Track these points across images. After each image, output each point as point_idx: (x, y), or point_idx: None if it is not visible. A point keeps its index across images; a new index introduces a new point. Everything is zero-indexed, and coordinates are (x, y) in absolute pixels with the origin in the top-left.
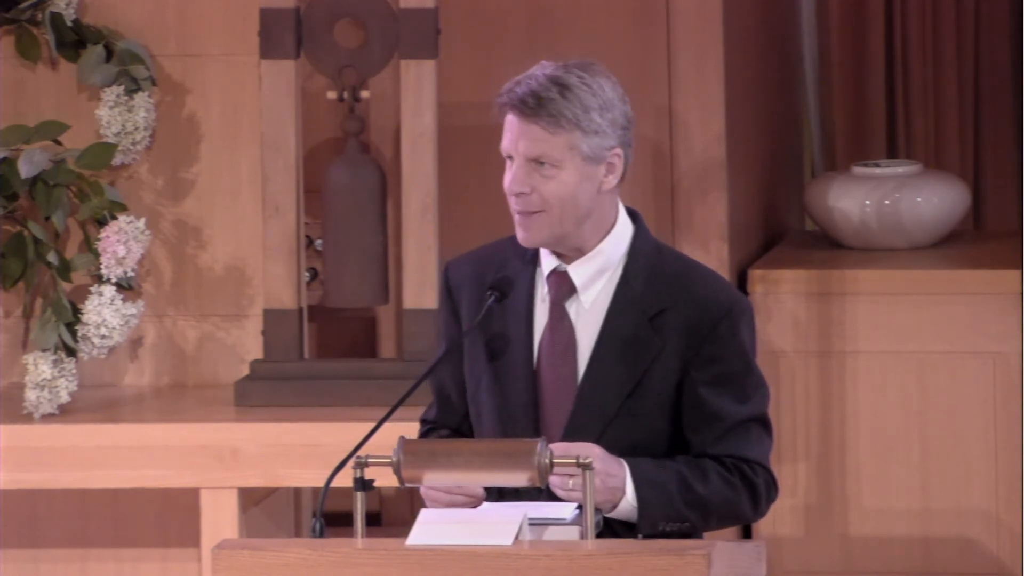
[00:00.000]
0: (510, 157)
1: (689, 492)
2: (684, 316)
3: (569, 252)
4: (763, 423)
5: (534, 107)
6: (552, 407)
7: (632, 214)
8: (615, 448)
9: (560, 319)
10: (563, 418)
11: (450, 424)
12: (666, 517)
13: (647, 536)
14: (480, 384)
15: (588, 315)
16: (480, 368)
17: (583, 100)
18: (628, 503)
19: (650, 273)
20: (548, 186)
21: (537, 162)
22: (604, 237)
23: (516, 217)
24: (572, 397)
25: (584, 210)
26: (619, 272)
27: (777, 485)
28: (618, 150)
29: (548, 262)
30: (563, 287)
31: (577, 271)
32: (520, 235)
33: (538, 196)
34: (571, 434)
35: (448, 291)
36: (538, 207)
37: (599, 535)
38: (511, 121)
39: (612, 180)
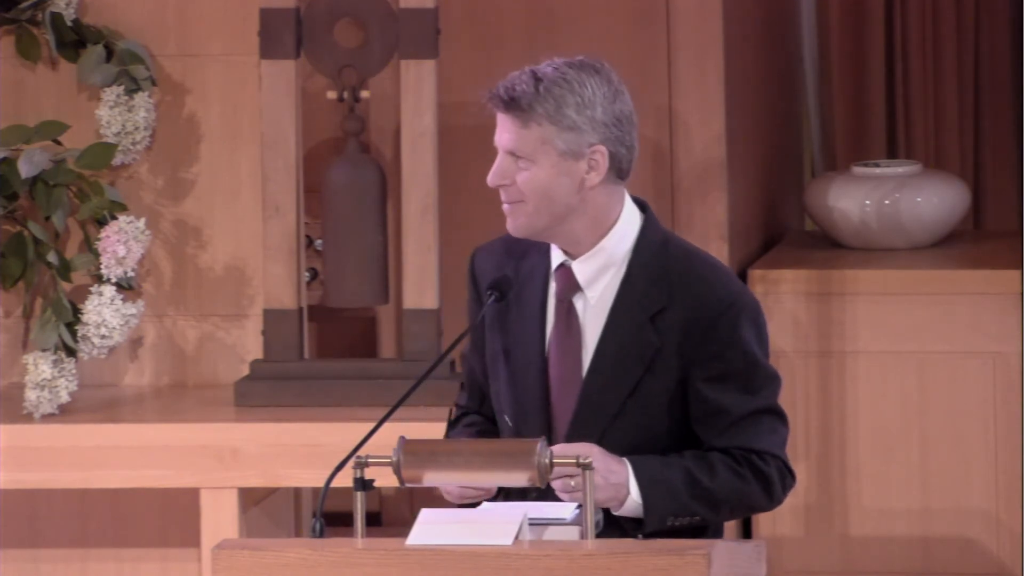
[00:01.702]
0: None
1: (695, 486)
2: (684, 314)
3: (568, 247)
4: (774, 413)
5: (507, 101)
6: (560, 404)
7: (641, 205)
8: (618, 446)
9: (567, 314)
10: (569, 416)
11: (476, 408)
12: (673, 512)
13: (656, 532)
14: (499, 378)
15: (595, 311)
16: (498, 362)
17: (558, 96)
18: (634, 501)
19: (653, 269)
20: (522, 177)
21: (514, 155)
22: (605, 234)
23: (504, 207)
24: (577, 395)
25: (563, 205)
26: (624, 268)
27: (793, 473)
28: (600, 147)
29: (556, 256)
30: (569, 282)
31: (580, 268)
32: (508, 224)
33: (516, 188)
34: (574, 432)
35: (473, 279)
36: (516, 197)
37: (599, 535)
38: (497, 115)
39: (595, 177)
